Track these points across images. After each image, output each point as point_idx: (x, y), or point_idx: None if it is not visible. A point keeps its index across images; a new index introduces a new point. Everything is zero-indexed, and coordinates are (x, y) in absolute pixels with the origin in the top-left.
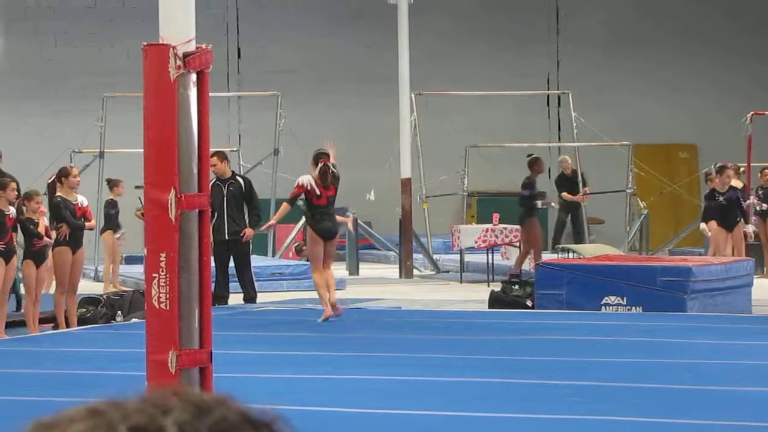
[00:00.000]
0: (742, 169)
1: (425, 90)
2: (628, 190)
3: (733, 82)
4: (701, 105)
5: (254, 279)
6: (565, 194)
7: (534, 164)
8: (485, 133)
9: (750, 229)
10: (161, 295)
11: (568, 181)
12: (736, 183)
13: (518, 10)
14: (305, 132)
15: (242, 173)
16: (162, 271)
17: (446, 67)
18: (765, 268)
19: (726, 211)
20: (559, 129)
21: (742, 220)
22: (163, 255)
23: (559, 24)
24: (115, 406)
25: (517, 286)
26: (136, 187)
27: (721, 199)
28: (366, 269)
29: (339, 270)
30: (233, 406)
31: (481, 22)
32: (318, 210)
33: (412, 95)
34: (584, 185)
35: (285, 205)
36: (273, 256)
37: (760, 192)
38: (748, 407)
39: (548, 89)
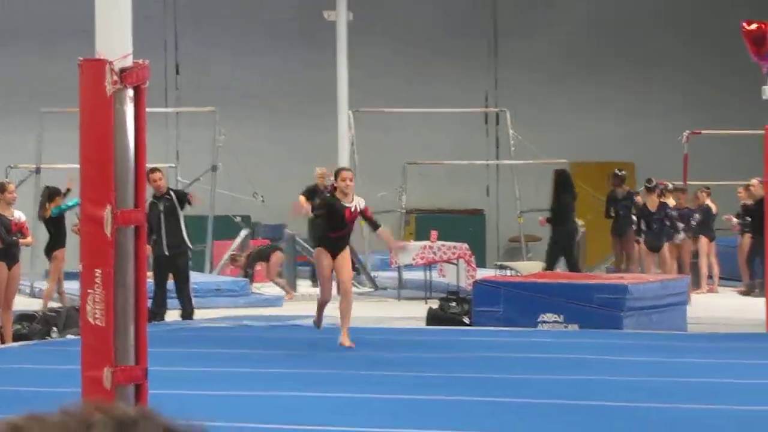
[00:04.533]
0: (671, 187)
1: (364, 107)
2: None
3: (671, 101)
4: (639, 123)
5: (192, 295)
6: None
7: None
8: (424, 150)
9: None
10: (96, 311)
11: None
12: (671, 201)
13: (458, 28)
14: (243, 149)
15: (180, 189)
16: (97, 287)
17: (385, 84)
18: (699, 283)
19: (656, 230)
20: (498, 147)
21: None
22: (99, 271)
23: (498, 43)
24: (36, 421)
25: (454, 303)
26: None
27: (654, 225)
28: (304, 286)
29: (276, 287)
30: (157, 420)
31: (420, 41)
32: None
33: (350, 112)
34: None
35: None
36: (211, 272)
37: (742, 210)
38: (683, 425)
39: (486, 107)
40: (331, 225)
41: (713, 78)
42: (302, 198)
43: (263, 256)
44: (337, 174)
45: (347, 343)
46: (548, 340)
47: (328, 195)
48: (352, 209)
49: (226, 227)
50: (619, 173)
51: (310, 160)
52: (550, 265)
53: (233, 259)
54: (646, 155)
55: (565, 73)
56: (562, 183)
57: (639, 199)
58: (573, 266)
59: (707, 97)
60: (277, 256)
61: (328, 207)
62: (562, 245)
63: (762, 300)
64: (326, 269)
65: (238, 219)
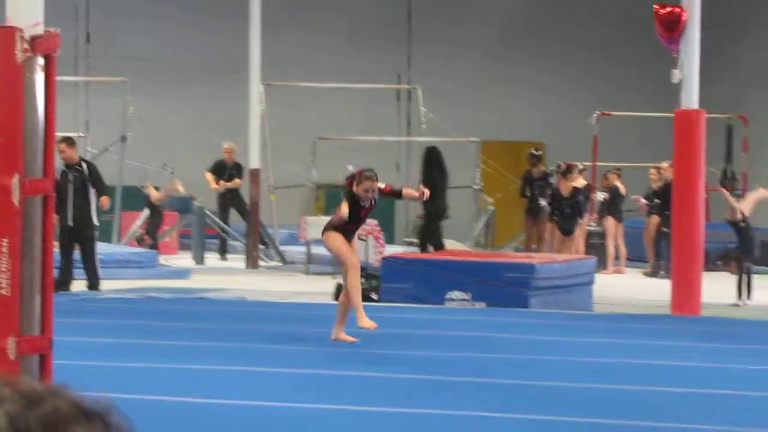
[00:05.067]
0: (582, 168)
1: (275, 81)
2: (475, 186)
3: (582, 82)
4: (551, 103)
5: (99, 266)
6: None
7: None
8: (335, 125)
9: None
10: (2, 280)
11: None
12: (580, 182)
13: (372, 4)
14: (153, 120)
15: (89, 159)
16: (3, 257)
17: (297, 58)
18: (605, 264)
19: (568, 215)
20: (409, 124)
21: (585, 218)
22: (6, 240)
23: (412, 21)
24: None
25: (363, 279)
26: None
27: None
28: (211, 259)
29: (184, 259)
30: (66, 396)
31: (334, 15)
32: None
33: (262, 86)
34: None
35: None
36: (118, 243)
37: (650, 192)
38: (587, 404)
39: (399, 84)
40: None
41: (624, 60)
42: (209, 175)
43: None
44: (360, 180)
45: (348, 338)
46: (455, 317)
47: (350, 191)
48: (368, 205)
49: (134, 198)
50: (536, 153)
51: (220, 133)
52: (433, 241)
53: (140, 240)
54: (557, 135)
55: (478, 52)
56: (432, 161)
57: (568, 183)
58: (438, 245)
59: (618, 78)
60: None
61: (350, 206)
62: (433, 221)
63: (667, 282)
64: (344, 243)
65: (170, 170)
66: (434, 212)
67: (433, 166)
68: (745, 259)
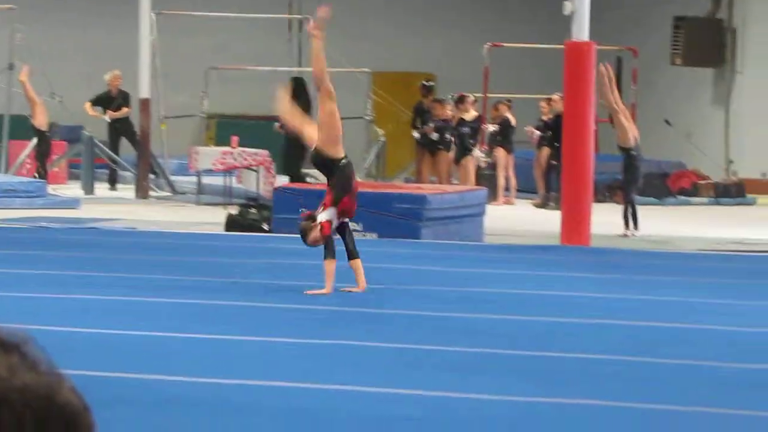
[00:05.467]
0: (473, 99)
1: (166, 9)
2: (366, 117)
3: (475, 13)
4: (443, 34)
5: None
6: None
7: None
8: (226, 55)
9: (481, 155)
10: None
11: None
12: (472, 113)
13: None
14: (42, 48)
15: None
16: None
17: None
18: (496, 195)
19: (465, 140)
20: (300, 54)
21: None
22: None
23: None
24: None
25: (254, 210)
26: None
27: (466, 129)
28: (101, 189)
29: (73, 189)
30: None
31: None
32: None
33: (153, 14)
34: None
35: None
36: (6, 172)
37: (541, 123)
38: (477, 333)
39: (290, 14)
40: None
41: None
42: (88, 105)
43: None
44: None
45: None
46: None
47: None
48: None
49: (22, 127)
50: (427, 84)
51: (111, 62)
52: (295, 172)
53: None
54: (449, 66)
55: None
56: (295, 91)
57: (449, 113)
58: (297, 177)
59: (510, 10)
60: None
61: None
62: (296, 153)
63: (557, 213)
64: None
65: (58, 99)
66: (296, 140)
67: (297, 97)
68: (630, 189)
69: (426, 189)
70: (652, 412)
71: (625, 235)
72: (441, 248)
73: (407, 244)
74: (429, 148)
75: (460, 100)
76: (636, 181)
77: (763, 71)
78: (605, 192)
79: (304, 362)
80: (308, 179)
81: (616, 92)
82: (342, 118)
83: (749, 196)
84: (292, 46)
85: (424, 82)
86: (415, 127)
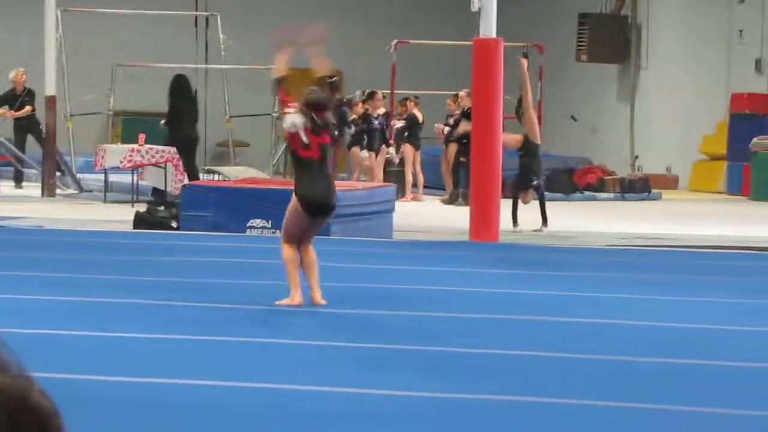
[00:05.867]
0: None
1: (72, 6)
2: (274, 114)
3: (382, 9)
4: (349, 31)
5: None
6: None
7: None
8: (133, 52)
9: (393, 150)
10: None
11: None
12: (381, 109)
13: None
14: None
15: None
16: None
17: None
18: (404, 191)
19: (373, 136)
20: (207, 51)
21: (384, 145)
22: None
23: None
24: None
25: (162, 207)
26: None
27: (375, 123)
28: (7, 187)
29: None
30: None
31: None
32: (307, 166)
33: (58, 11)
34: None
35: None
36: None
37: (451, 119)
38: (384, 330)
39: (197, 11)
40: None
41: None
42: None
43: None
44: None
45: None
46: (257, 245)
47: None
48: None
49: None
50: (331, 81)
51: (15, 60)
52: (189, 170)
53: None
54: (355, 63)
55: None
56: (177, 88)
57: (358, 107)
58: (192, 173)
59: (418, 6)
60: None
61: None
62: (181, 150)
63: (465, 209)
64: None
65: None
66: (181, 138)
67: (179, 94)
68: (537, 186)
69: (336, 186)
70: (559, 407)
71: (516, 231)
72: (350, 245)
73: (316, 240)
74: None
75: (370, 96)
76: (539, 177)
77: (667, 67)
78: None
79: (214, 360)
80: (218, 177)
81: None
82: (249, 116)
83: (654, 191)
84: (199, 43)
85: (329, 79)
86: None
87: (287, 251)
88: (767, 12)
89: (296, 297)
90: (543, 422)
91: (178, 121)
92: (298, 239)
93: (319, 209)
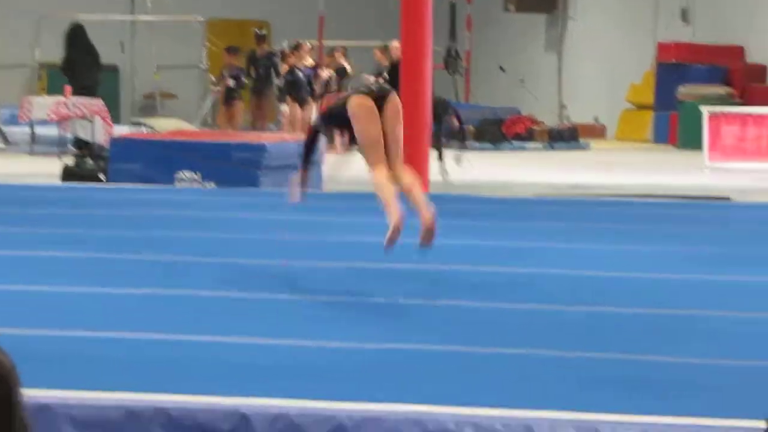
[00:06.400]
0: (311, 47)
1: None
2: (201, 66)
3: None
4: None
5: None
6: None
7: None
8: (59, 3)
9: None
10: None
11: None
12: (309, 61)
13: None
14: None
15: None
16: None
17: None
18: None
19: (301, 88)
20: (133, 2)
21: (312, 98)
22: None
23: None
24: None
25: (90, 160)
26: None
27: (301, 75)
28: None
29: None
30: None
31: None
32: None
33: None
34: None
35: None
36: None
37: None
38: (318, 281)
39: None
40: None
41: None
42: None
43: None
44: None
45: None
46: (186, 197)
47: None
48: None
49: None
50: (260, 33)
51: None
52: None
53: None
54: (283, 14)
55: None
56: (72, 37)
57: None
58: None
59: None
60: None
61: None
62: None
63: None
64: None
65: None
66: (82, 87)
67: (72, 44)
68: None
69: (264, 138)
70: (492, 356)
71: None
72: (279, 197)
73: (247, 192)
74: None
75: (296, 48)
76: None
77: (594, 17)
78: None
79: (145, 313)
80: (145, 129)
81: None
82: (176, 67)
83: (582, 140)
84: None
85: (257, 31)
86: (249, 76)
87: (378, 175)
88: None
89: (393, 215)
90: (470, 371)
91: (73, 70)
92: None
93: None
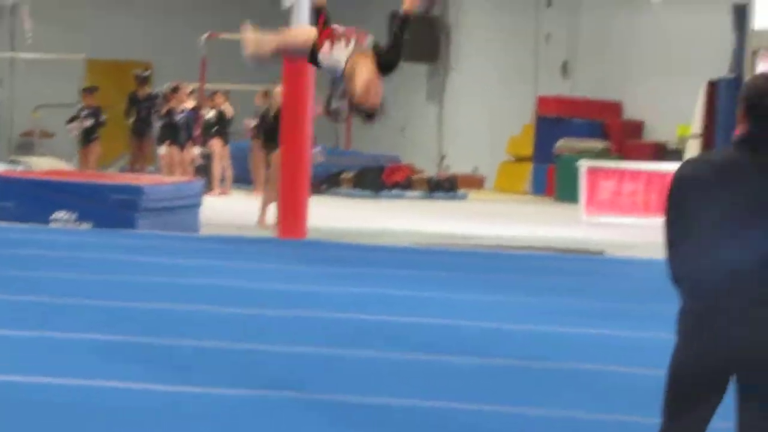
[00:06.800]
0: (191, 90)
1: None
2: (78, 105)
3: (193, 2)
4: (160, 22)
5: None
6: None
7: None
8: None
9: (197, 152)
10: None
11: None
12: (190, 103)
13: None
14: None
15: None
16: None
17: None
18: (212, 186)
19: (179, 131)
20: (13, 39)
21: (191, 141)
22: None
23: None
24: None
25: None
26: None
27: (178, 118)
28: None
29: None
30: None
31: None
32: None
33: None
34: None
35: None
36: None
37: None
38: (195, 325)
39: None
40: None
41: None
42: None
43: None
44: None
45: None
46: (61, 237)
47: None
48: None
49: None
50: (142, 74)
51: None
52: None
53: None
54: (166, 56)
55: None
56: None
57: (171, 102)
58: None
59: (229, 1)
60: None
61: None
62: None
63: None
64: None
65: None
66: None
67: None
68: None
69: (143, 179)
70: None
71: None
72: (157, 239)
73: (123, 234)
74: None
75: (175, 90)
76: None
77: (476, 68)
78: (322, 185)
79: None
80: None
81: None
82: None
83: (461, 190)
84: (2, 31)
85: (139, 72)
86: (129, 117)
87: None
88: (573, 16)
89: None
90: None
91: None
92: None
93: None
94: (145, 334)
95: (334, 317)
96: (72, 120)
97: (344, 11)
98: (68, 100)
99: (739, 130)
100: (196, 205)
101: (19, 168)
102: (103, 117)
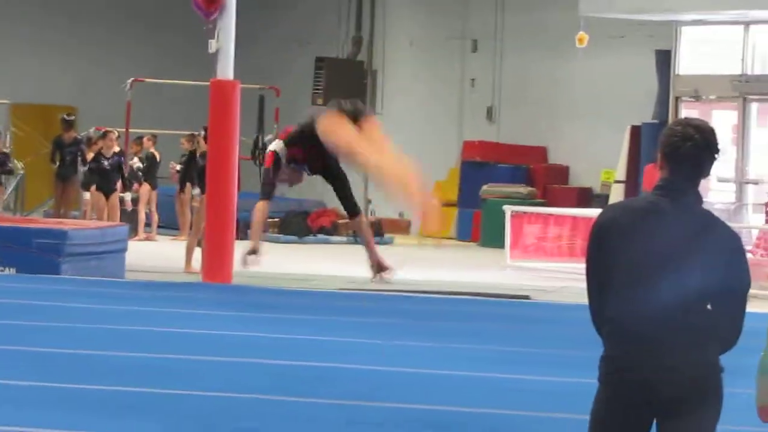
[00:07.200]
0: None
1: None
2: (6, 150)
3: (119, 47)
4: (85, 67)
5: None
6: None
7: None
8: None
9: (128, 197)
10: None
11: None
12: (116, 148)
13: None
14: None
15: None
16: None
17: None
18: (138, 230)
19: (107, 176)
20: None
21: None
22: None
23: None
24: None
25: None
26: None
27: (106, 163)
28: None
29: None
30: None
31: None
32: None
33: None
34: None
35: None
36: None
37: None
38: (116, 371)
39: None
40: None
41: (164, 26)
42: None
43: None
44: None
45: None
46: None
47: None
48: None
49: None
50: (68, 118)
51: None
52: None
53: None
54: (91, 100)
55: (13, 11)
56: None
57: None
58: None
59: (158, 45)
60: None
61: None
62: None
63: (199, 250)
64: None
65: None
66: None
67: None
68: None
69: (67, 224)
70: None
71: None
72: (82, 284)
73: (47, 279)
74: (68, 181)
75: (103, 136)
76: None
77: (401, 113)
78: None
79: None
80: None
81: None
82: None
83: (387, 235)
84: None
85: (65, 116)
86: (54, 161)
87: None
88: (498, 61)
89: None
90: None
91: None
92: None
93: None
94: (70, 381)
95: (259, 363)
96: None
97: (271, 54)
98: None
99: (658, 176)
100: (122, 250)
101: None
102: (10, 165)
